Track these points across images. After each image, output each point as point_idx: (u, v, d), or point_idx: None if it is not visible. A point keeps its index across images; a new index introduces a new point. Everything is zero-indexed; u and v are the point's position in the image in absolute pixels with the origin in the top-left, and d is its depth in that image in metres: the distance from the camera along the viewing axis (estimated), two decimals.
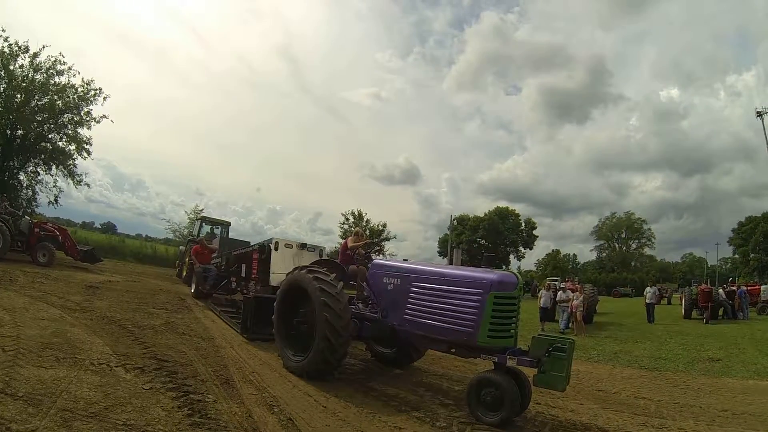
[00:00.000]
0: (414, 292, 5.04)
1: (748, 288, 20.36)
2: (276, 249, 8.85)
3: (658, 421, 4.74)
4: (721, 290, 18.65)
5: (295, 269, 5.87)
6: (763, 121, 29.14)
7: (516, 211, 56.49)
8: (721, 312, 17.18)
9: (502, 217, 54.29)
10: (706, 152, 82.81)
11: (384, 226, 43.49)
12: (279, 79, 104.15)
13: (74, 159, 21.51)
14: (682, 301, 19.69)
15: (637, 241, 64.89)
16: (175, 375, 4.45)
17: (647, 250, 65.29)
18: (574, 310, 12.27)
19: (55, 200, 21.94)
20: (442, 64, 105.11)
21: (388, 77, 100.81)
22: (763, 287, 20.78)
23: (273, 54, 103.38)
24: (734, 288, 19.22)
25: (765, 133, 28.89)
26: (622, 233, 65.26)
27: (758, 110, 29.56)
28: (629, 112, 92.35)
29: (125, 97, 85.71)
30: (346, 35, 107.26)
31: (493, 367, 4.38)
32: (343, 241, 6.95)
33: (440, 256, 52.39)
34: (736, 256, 53.45)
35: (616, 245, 65.89)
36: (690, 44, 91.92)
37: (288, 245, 9.12)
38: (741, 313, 17.39)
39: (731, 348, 10.13)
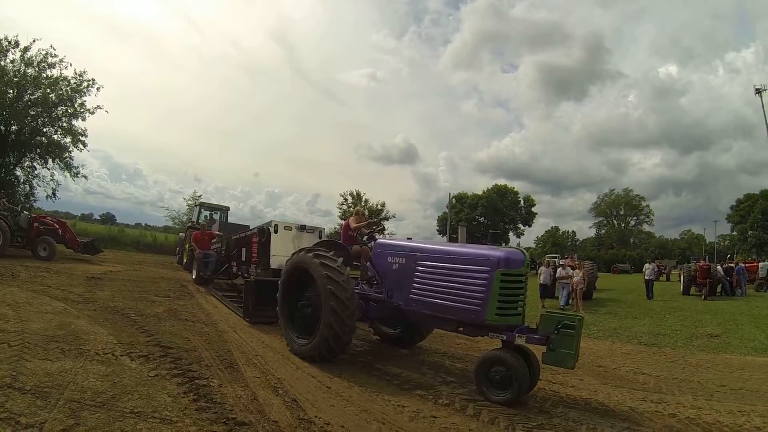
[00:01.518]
0: (420, 271, 4.97)
1: (746, 265, 20.49)
2: (275, 232, 8.82)
3: (657, 396, 4.81)
4: (719, 267, 18.76)
5: (300, 250, 5.78)
6: (761, 99, 28.87)
7: (515, 189, 56.55)
8: (719, 289, 17.33)
9: (500, 195, 54.25)
10: (705, 129, 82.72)
11: (383, 205, 43.64)
12: (273, 62, 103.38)
13: (70, 151, 21.34)
14: (680, 278, 19.85)
15: (635, 217, 65.30)
16: (180, 361, 4.49)
17: (646, 227, 65.84)
18: (575, 287, 12.35)
19: (53, 194, 21.83)
20: (437, 43, 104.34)
21: (383, 57, 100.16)
22: (761, 264, 20.91)
23: (267, 38, 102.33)
24: (732, 265, 19.36)
25: (764, 111, 28.68)
26: (620, 210, 65.48)
27: (757, 87, 29.27)
28: (627, 89, 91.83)
29: (119, 87, 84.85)
30: (339, 16, 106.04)
31: (500, 346, 4.37)
32: (344, 222, 6.86)
33: (439, 234, 52.64)
34: (735, 233, 53.59)
35: (615, 222, 66.18)
36: (688, 21, 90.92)
37: (287, 228, 9.09)
38: (739, 290, 17.55)
39: (729, 324, 10.24)
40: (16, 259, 11.25)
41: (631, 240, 64.45)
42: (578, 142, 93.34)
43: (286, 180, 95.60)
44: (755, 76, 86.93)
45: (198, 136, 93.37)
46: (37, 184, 21.63)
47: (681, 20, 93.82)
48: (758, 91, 29.14)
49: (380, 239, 5.98)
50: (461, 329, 4.68)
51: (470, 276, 4.47)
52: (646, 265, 17.35)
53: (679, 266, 29.17)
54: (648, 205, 64.80)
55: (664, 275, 31.09)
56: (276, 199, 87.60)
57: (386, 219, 42.48)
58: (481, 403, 4.08)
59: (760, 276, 19.75)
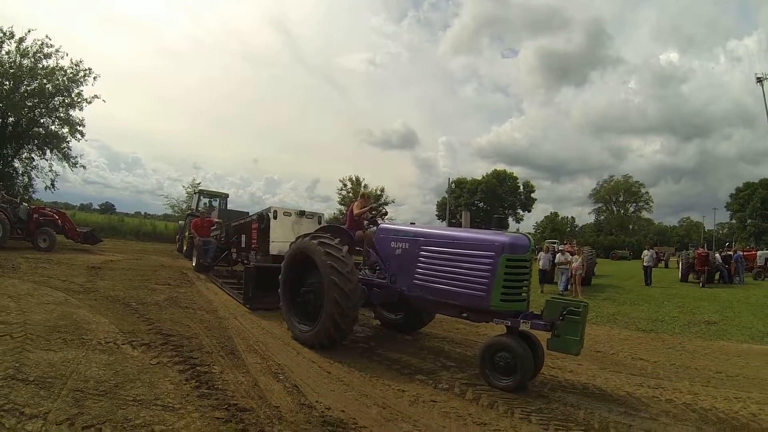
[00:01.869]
0: (423, 257, 4.91)
1: (745, 253, 20.54)
2: (275, 218, 8.79)
3: (655, 381, 4.85)
4: (717, 255, 18.82)
5: (305, 236, 5.71)
6: (762, 87, 28.74)
7: (514, 174, 56.59)
8: (717, 276, 17.39)
9: (500, 180, 54.29)
10: (706, 117, 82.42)
11: (382, 190, 43.73)
12: (272, 49, 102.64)
13: (68, 142, 21.40)
14: (679, 265, 19.91)
15: (634, 204, 65.27)
16: (181, 349, 4.52)
17: (645, 214, 65.93)
18: (574, 273, 12.41)
19: (52, 185, 21.89)
20: (437, 27, 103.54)
21: (382, 42, 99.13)
22: (759, 253, 21.01)
23: (265, 24, 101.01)
24: (731, 253, 19.41)
25: (765, 100, 28.50)
26: (620, 196, 65.43)
27: (758, 76, 29.11)
28: (628, 76, 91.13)
29: (116, 76, 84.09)
30: (338, 1, 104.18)
31: (505, 331, 4.36)
32: (349, 207, 6.84)
33: (439, 219, 52.84)
34: (733, 221, 53.80)
35: (614, 208, 66.21)
36: (690, 8, 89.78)
37: (287, 213, 9.06)
38: (737, 278, 17.63)
39: (727, 312, 10.30)
40: (16, 251, 11.28)
41: (630, 226, 64.52)
42: (578, 128, 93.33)
43: (286, 166, 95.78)
44: (757, 65, 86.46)
45: (197, 124, 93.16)
46: (36, 175, 21.72)
47: (683, 7, 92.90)
48: (759, 80, 28.97)
49: (383, 224, 5.94)
50: (465, 315, 4.63)
51: (475, 261, 4.41)
52: (645, 252, 17.38)
53: (677, 253, 29.22)
54: (647, 192, 64.95)
55: (663, 262, 31.23)
56: (275, 185, 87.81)
57: (386, 204, 42.72)
58: (480, 388, 4.12)
59: (758, 264, 19.84)
